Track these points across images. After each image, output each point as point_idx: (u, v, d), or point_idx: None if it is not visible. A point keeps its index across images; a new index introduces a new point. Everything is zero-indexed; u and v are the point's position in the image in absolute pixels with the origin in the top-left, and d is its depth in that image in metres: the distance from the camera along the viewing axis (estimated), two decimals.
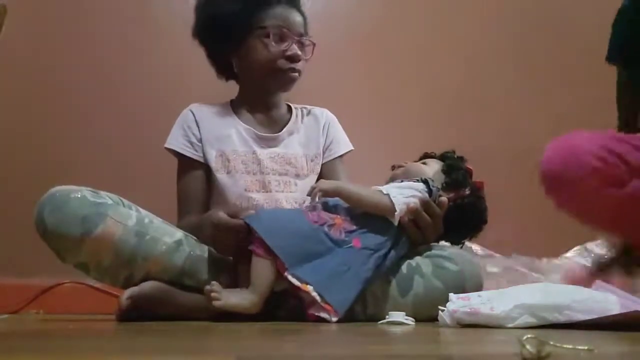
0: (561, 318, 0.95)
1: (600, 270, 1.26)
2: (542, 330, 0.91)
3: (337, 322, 1.06)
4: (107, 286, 1.29)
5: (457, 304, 1.01)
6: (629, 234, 1.23)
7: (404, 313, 1.09)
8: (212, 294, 1.06)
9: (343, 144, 1.52)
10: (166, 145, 1.42)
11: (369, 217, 1.18)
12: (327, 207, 1.19)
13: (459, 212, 1.26)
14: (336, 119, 1.55)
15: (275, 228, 1.10)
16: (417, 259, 1.23)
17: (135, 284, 1.16)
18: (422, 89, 2.02)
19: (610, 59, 1.36)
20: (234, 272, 1.17)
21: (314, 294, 1.06)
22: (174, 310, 1.16)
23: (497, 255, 1.70)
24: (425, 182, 1.23)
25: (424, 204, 1.21)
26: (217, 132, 1.42)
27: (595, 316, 0.94)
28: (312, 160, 1.47)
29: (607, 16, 1.38)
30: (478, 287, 1.19)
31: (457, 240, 1.32)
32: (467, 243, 1.43)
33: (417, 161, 1.36)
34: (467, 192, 1.28)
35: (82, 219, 1.13)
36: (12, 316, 1.37)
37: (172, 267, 1.19)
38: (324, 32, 1.60)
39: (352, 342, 0.82)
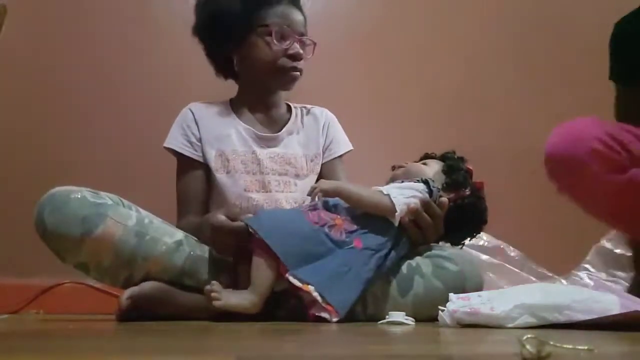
0: (561, 318, 0.95)
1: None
2: (542, 330, 0.91)
3: (337, 322, 1.06)
4: (107, 286, 1.29)
5: (457, 304, 1.01)
6: (628, 221, 1.23)
7: (404, 313, 1.09)
8: (212, 294, 1.06)
9: (343, 143, 1.52)
10: (165, 145, 1.42)
11: (370, 217, 1.18)
12: (327, 207, 1.19)
13: (460, 212, 1.26)
14: (336, 119, 1.55)
15: (276, 229, 1.10)
16: (417, 259, 1.23)
17: (135, 284, 1.16)
18: (422, 89, 2.02)
19: (617, 78, 1.38)
20: (234, 272, 1.17)
21: (315, 294, 1.06)
22: (174, 310, 1.16)
23: (508, 247, 1.71)
24: (425, 182, 1.23)
25: (425, 204, 1.21)
26: (216, 132, 1.42)
27: (595, 316, 0.94)
28: (311, 160, 1.47)
29: (607, 16, 1.38)
30: (478, 287, 1.19)
31: (457, 241, 1.32)
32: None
33: (417, 161, 1.36)
34: (468, 192, 1.28)
35: (82, 220, 1.13)
36: (12, 316, 1.37)
37: (172, 267, 1.19)
38: (324, 32, 1.60)
39: (352, 342, 0.82)
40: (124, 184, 1.41)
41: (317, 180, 1.43)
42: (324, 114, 1.53)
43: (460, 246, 1.32)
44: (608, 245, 1.71)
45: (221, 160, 1.40)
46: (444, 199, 1.24)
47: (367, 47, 2.01)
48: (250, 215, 1.15)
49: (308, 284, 1.07)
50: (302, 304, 1.10)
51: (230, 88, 1.51)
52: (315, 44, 1.45)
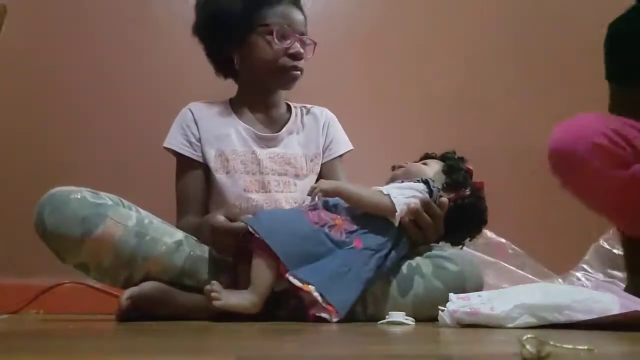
0: (561, 318, 0.95)
1: None
2: (542, 330, 0.90)
3: (337, 322, 1.06)
4: (107, 286, 1.29)
5: (457, 304, 1.01)
6: (630, 217, 1.23)
7: (404, 313, 1.09)
8: (212, 294, 1.06)
9: (343, 143, 1.52)
10: (165, 145, 1.42)
11: (370, 217, 1.18)
12: (327, 207, 1.19)
13: (460, 212, 1.26)
14: (336, 118, 1.55)
15: (276, 229, 1.10)
16: (418, 259, 1.23)
17: (135, 284, 1.16)
18: (422, 89, 2.02)
19: (612, 78, 1.38)
20: (234, 272, 1.17)
21: (316, 294, 1.06)
22: (174, 310, 1.16)
23: (509, 243, 1.71)
24: (425, 182, 1.23)
25: (425, 204, 1.21)
26: (216, 132, 1.42)
27: (595, 316, 0.94)
28: (311, 160, 1.47)
29: (607, 16, 1.38)
30: (478, 288, 1.19)
31: (457, 241, 1.32)
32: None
33: (417, 161, 1.36)
34: (468, 192, 1.27)
35: (82, 220, 1.13)
36: (12, 316, 1.37)
37: (172, 268, 1.19)
38: (324, 32, 1.60)
39: (352, 342, 0.82)
40: (124, 184, 1.41)
41: (317, 180, 1.43)
42: (324, 114, 1.53)
43: (460, 246, 1.32)
44: (606, 245, 1.71)
45: (221, 161, 1.39)
46: (444, 199, 1.24)
47: (367, 47, 2.01)
48: (250, 215, 1.15)
49: (308, 284, 1.07)
50: (302, 304, 1.10)
51: (230, 88, 1.51)
52: (315, 43, 1.45)
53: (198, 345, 0.73)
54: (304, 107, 1.54)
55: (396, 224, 1.18)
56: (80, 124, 1.85)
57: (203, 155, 1.40)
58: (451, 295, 1.04)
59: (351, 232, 1.16)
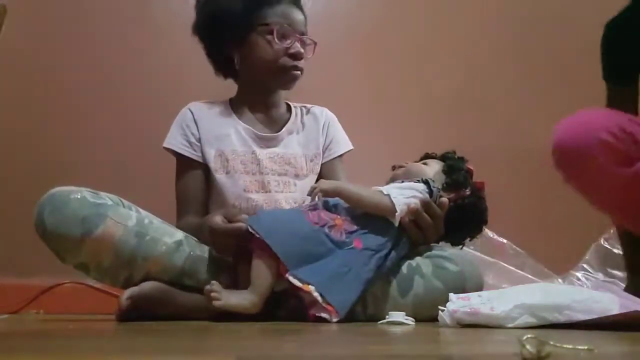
0: (561, 318, 0.95)
1: None
2: (542, 330, 0.90)
3: (337, 322, 1.06)
4: (107, 286, 1.29)
5: (457, 304, 1.01)
6: (633, 214, 1.23)
7: (404, 313, 1.09)
8: (212, 294, 1.06)
9: (343, 143, 1.52)
10: (165, 145, 1.42)
11: (370, 217, 1.18)
12: (327, 207, 1.19)
13: (460, 212, 1.26)
14: (336, 118, 1.55)
15: (276, 229, 1.10)
16: (418, 259, 1.23)
17: (135, 284, 1.16)
18: (422, 89, 2.02)
19: (608, 78, 1.38)
20: (234, 272, 1.17)
21: (316, 294, 1.06)
22: (174, 310, 1.16)
23: (509, 243, 1.71)
24: (426, 182, 1.23)
25: (425, 204, 1.21)
26: (216, 132, 1.42)
27: (595, 316, 0.94)
28: (311, 160, 1.47)
29: (607, 16, 1.38)
30: (478, 288, 1.19)
31: (457, 241, 1.32)
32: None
33: (417, 161, 1.36)
34: (468, 192, 1.27)
35: (82, 220, 1.13)
36: (12, 316, 1.37)
37: (172, 268, 1.19)
38: (324, 32, 1.60)
39: (352, 342, 0.82)
40: (124, 184, 1.41)
41: (317, 180, 1.43)
42: (324, 114, 1.53)
43: (460, 246, 1.32)
44: (607, 244, 1.71)
45: (220, 161, 1.39)
46: (444, 199, 1.24)
47: (367, 47, 2.01)
48: (246, 215, 1.15)
49: (308, 284, 1.07)
50: (302, 304, 1.10)
51: (230, 88, 1.51)
52: (315, 43, 1.45)
53: (198, 345, 0.73)
54: (304, 107, 1.54)
55: (396, 224, 1.18)
56: (80, 124, 1.85)
57: (203, 155, 1.40)
58: (451, 295, 1.04)
59: (351, 232, 1.16)
